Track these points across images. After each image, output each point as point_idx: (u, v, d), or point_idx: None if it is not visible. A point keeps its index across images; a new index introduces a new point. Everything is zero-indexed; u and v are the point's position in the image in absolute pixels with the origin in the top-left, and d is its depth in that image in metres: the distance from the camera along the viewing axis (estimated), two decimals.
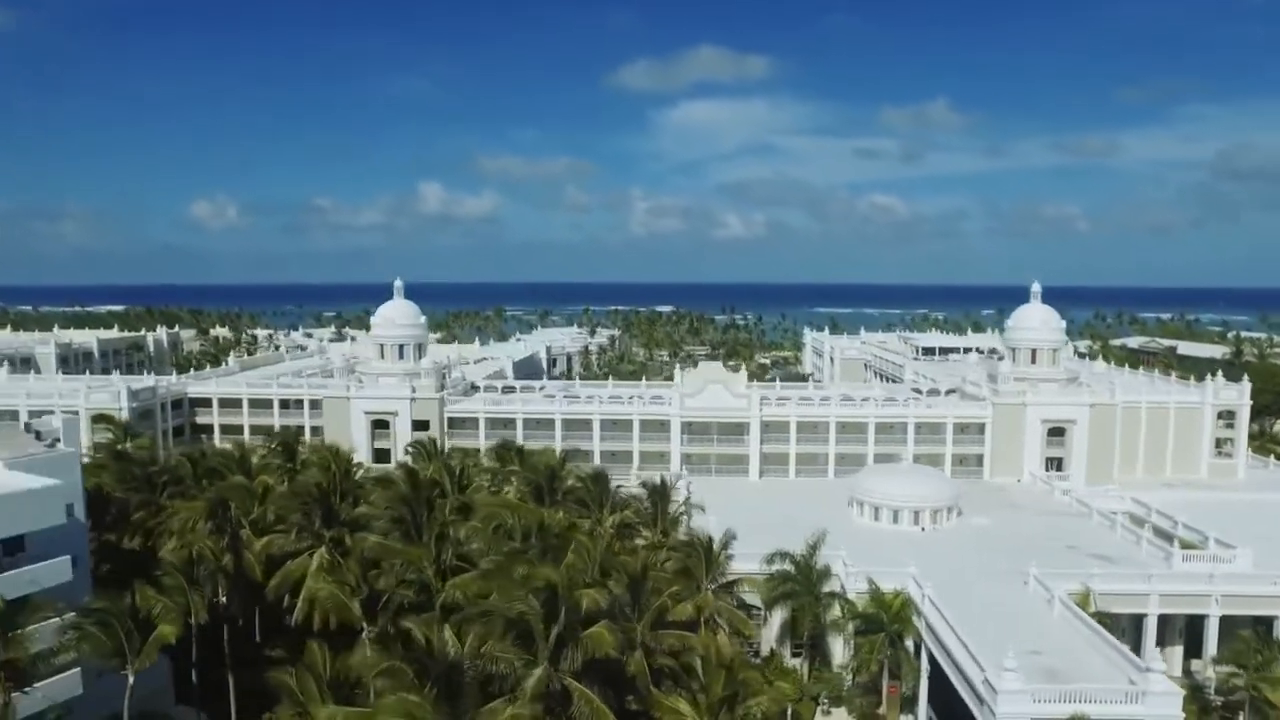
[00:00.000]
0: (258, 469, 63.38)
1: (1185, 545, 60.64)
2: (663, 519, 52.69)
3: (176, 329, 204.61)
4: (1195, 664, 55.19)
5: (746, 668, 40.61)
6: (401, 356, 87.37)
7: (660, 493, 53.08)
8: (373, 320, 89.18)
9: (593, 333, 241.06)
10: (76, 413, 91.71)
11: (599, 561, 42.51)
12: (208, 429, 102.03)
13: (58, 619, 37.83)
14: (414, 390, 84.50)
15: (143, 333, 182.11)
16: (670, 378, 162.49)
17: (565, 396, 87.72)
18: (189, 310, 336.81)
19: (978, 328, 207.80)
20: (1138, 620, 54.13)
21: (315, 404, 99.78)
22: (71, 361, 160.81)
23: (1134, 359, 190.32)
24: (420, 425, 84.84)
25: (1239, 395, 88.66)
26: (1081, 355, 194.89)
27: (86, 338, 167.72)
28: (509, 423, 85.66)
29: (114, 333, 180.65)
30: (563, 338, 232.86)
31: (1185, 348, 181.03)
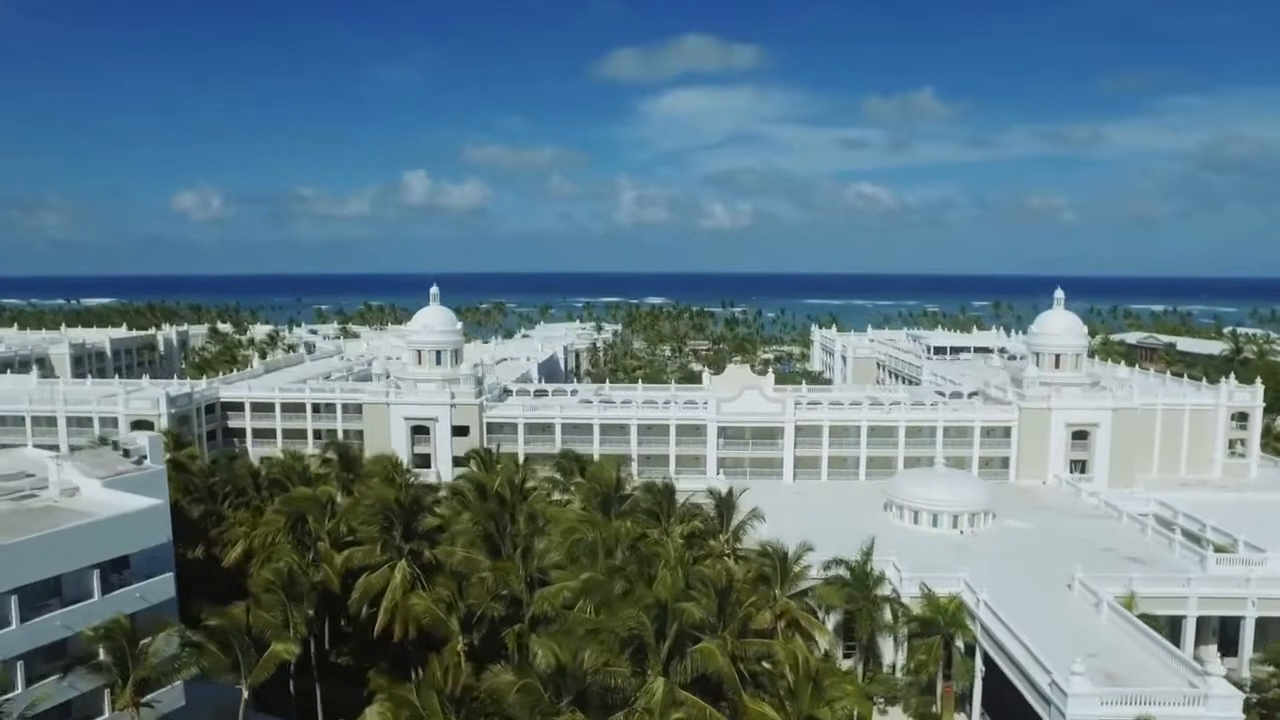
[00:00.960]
0: (317, 479, 65.20)
1: (1216, 548, 63.44)
2: (728, 528, 54.83)
3: (186, 328, 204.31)
4: (1230, 662, 57.97)
5: (831, 673, 42.85)
6: (439, 362, 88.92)
7: (726, 503, 55.19)
8: (409, 326, 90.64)
9: (598, 329, 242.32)
10: (115, 419, 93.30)
11: (684, 573, 44.70)
12: (240, 433, 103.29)
13: (178, 635, 39.58)
14: (453, 396, 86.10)
15: (153, 332, 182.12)
16: (677, 373, 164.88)
17: (602, 401, 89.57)
18: (189, 306, 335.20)
19: (980, 325, 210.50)
20: (1173, 621, 56.85)
21: (349, 407, 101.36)
22: (86, 362, 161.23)
23: (1132, 355, 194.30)
24: (460, 431, 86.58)
25: (1252, 397, 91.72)
26: None
27: (99, 337, 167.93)
28: (546, 427, 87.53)
29: (125, 332, 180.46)
30: (568, 334, 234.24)
31: (1183, 344, 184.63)
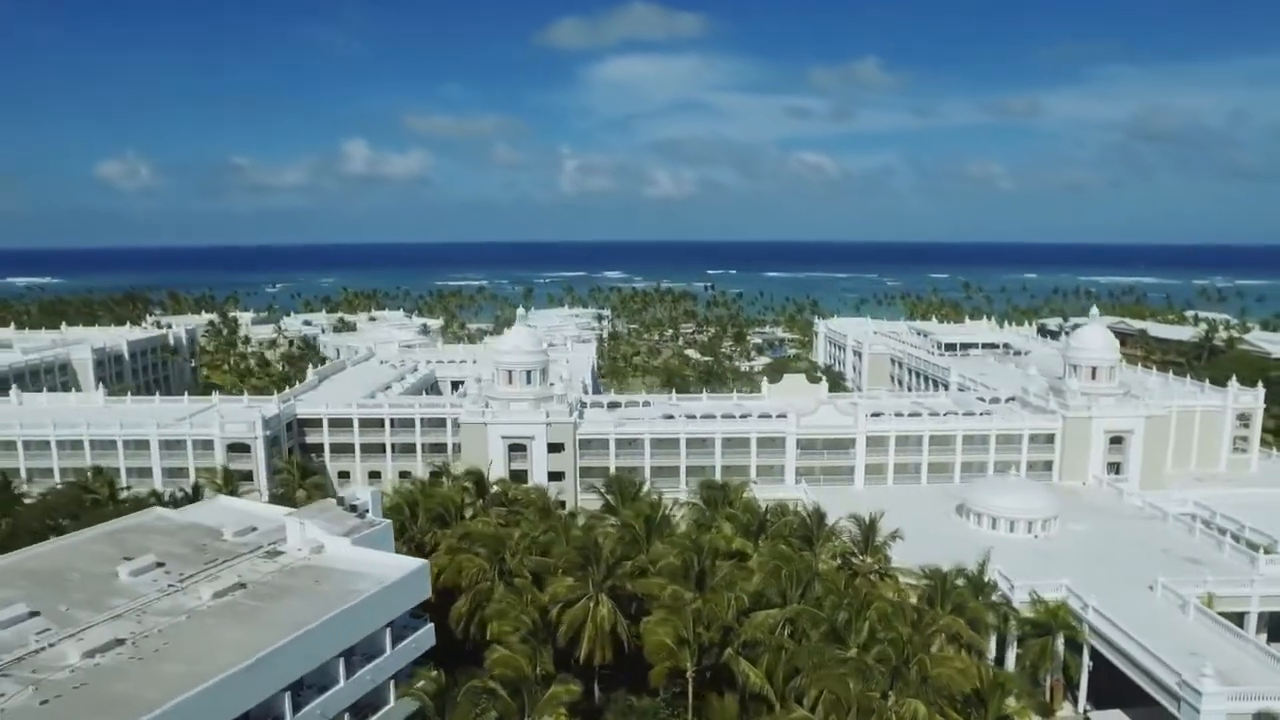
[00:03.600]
0: (473, 509, 70.69)
1: (1254, 547, 73.61)
2: (872, 548, 62.37)
3: (195, 326, 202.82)
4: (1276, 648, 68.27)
5: (1012, 679, 51.00)
6: (529, 382, 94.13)
7: (870, 526, 62.64)
8: (499, 348, 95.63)
9: (599, 319, 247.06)
10: (210, 442, 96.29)
11: (868, 599, 52.24)
12: (318, 448, 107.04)
13: (475, 681, 45.14)
14: (549, 416, 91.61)
15: (165, 332, 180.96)
16: (673, 359, 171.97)
17: (686, 416, 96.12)
18: (169, 293, 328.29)
19: (972, 315, 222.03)
20: (1234, 616, 66.64)
21: (428, 421, 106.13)
22: (106, 366, 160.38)
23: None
24: (555, 447, 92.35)
25: (1254, 399, 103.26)
26: (1054, 333, 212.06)
27: (115, 340, 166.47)
28: (635, 442, 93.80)
29: (141, 332, 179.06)
30: (564, 322, 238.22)
31: (1154, 329, 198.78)
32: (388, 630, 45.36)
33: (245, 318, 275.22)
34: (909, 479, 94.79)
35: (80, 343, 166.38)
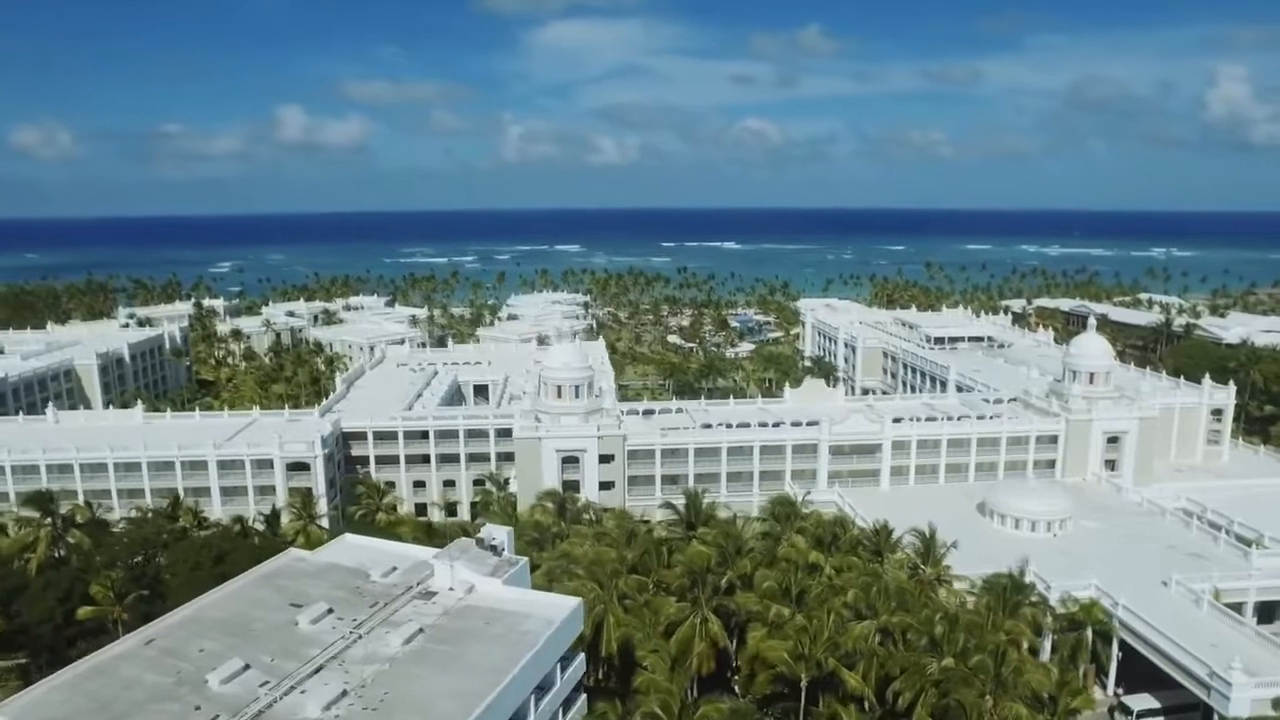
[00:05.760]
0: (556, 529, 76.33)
1: (1244, 541, 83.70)
2: (933, 559, 70.10)
3: (188, 323, 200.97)
4: (1268, 628, 78.54)
5: (1075, 678, 59.33)
6: (578, 396, 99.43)
7: (931, 538, 70.30)
8: (547, 364, 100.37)
9: (585, 307, 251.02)
10: (270, 461, 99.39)
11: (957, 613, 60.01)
12: (363, 460, 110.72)
13: (644, 709, 51.33)
14: (599, 429, 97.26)
15: (160, 332, 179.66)
16: (655, 346, 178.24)
17: (724, 425, 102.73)
18: (132, 280, 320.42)
19: (939, 297, 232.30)
20: (1234, 607, 76.45)
21: (472, 433, 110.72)
22: (109, 371, 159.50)
23: (1070, 324, 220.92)
24: (606, 459, 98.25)
25: (1227, 396, 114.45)
26: (1018, 316, 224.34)
27: (115, 343, 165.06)
28: (679, 452, 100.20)
29: (139, 333, 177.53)
30: (550, 308, 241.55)
31: (1115, 313, 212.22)
32: (559, 663, 51.09)
33: (217, 305, 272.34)
34: (928, 479, 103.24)
35: (76, 344, 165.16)
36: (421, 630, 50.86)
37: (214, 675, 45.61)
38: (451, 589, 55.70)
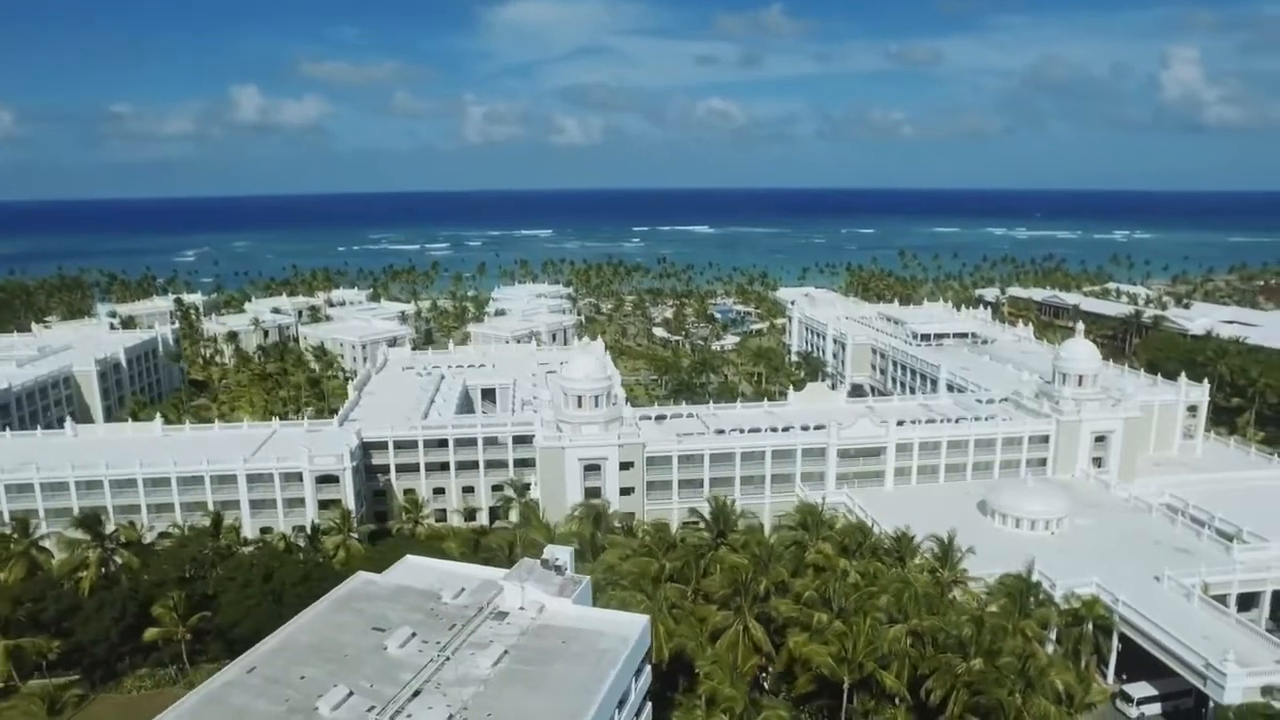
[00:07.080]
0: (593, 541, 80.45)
1: (1224, 535, 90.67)
2: (950, 563, 75.60)
3: (178, 324, 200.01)
4: (1247, 614, 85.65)
5: (1092, 676, 65.26)
6: (597, 405, 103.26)
7: (948, 542, 75.76)
8: (568, 375, 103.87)
9: (572, 300, 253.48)
10: (300, 474, 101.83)
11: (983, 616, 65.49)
12: (383, 468, 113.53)
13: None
14: (620, 437, 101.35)
15: (153, 334, 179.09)
16: (640, 337, 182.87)
17: (737, 431, 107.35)
18: (104, 274, 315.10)
19: (916, 288, 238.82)
20: (1219, 598, 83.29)
21: (492, 440, 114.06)
22: (108, 377, 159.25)
23: (1042, 314, 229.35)
24: (626, 465, 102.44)
25: (1201, 394, 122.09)
26: (992, 306, 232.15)
27: (111, 347, 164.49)
28: (694, 457, 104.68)
29: (133, 336, 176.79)
30: (533, 301, 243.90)
31: (1086, 304, 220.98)
32: (634, 677, 55.48)
33: (196, 299, 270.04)
34: (928, 479, 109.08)
35: (69, 349, 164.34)
36: (506, 651, 54.79)
37: (323, 702, 49.10)
38: (522, 608, 59.73)
